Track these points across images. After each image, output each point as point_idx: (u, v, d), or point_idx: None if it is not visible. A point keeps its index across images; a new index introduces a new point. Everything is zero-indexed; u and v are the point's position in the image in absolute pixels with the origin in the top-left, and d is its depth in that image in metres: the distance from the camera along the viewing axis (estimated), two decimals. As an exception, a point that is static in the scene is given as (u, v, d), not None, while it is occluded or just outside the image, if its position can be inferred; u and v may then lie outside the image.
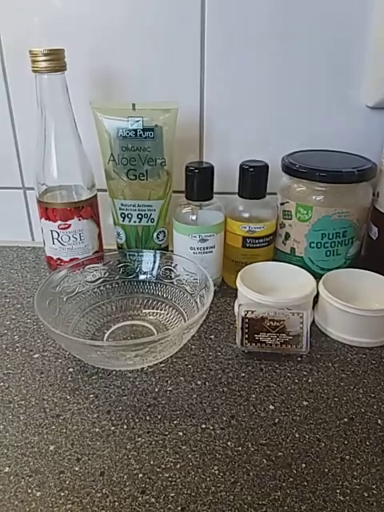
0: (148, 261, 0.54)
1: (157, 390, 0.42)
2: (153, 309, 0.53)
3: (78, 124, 0.52)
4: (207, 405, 0.41)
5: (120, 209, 0.57)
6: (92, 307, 0.52)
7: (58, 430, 0.38)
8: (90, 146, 0.55)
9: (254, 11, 0.54)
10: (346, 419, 0.39)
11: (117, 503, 0.32)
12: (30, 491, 0.33)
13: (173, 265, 0.53)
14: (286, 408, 0.40)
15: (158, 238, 0.59)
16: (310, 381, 0.43)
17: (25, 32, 0.57)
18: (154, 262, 0.54)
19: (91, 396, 0.42)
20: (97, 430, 0.38)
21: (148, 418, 0.39)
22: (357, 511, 0.32)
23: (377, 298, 0.51)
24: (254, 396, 0.41)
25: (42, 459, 0.36)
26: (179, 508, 0.32)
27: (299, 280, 0.52)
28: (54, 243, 0.55)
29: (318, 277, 0.51)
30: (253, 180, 0.53)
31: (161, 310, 0.53)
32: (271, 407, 0.40)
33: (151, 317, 0.52)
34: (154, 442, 0.37)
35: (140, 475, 0.34)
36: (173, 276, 0.53)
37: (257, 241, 0.55)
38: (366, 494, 0.33)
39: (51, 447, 0.36)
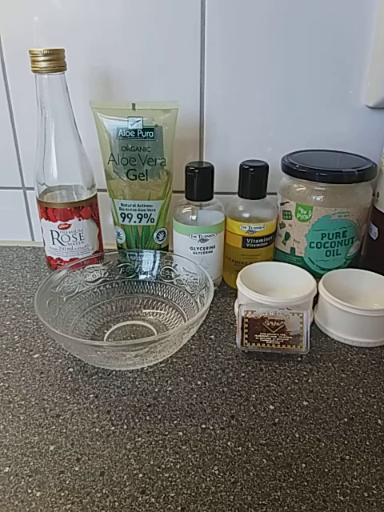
0: (148, 261, 0.54)
1: (157, 390, 0.42)
2: (153, 309, 0.53)
3: (78, 124, 0.52)
4: (207, 405, 0.41)
5: (120, 209, 0.57)
6: (92, 307, 0.52)
7: (58, 430, 0.38)
8: (89, 146, 0.55)
9: (254, 11, 0.54)
10: (346, 419, 0.39)
11: (117, 503, 0.32)
12: (30, 491, 0.33)
13: (173, 265, 0.53)
14: (285, 408, 0.40)
15: (158, 238, 0.59)
16: (310, 381, 0.43)
17: (25, 32, 0.57)
18: (154, 262, 0.54)
19: (91, 396, 0.42)
20: (97, 429, 0.38)
21: (148, 418, 0.39)
22: (357, 511, 0.32)
23: (377, 298, 0.51)
24: (254, 396, 0.41)
25: (42, 459, 0.36)
26: (179, 508, 0.32)
27: (299, 280, 0.52)
28: (53, 243, 0.55)
29: (317, 277, 0.51)
30: (253, 180, 0.53)
31: (161, 310, 0.53)
32: (271, 407, 0.40)
33: (151, 317, 0.52)
34: (153, 442, 0.37)
35: (140, 475, 0.34)
36: (173, 276, 0.53)
37: (257, 241, 0.55)
38: (366, 494, 0.33)
39: (51, 447, 0.37)
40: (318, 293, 0.50)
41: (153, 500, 0.32)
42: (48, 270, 0.61)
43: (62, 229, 0.54)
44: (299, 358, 0.46)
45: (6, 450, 0.36)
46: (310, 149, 0.59)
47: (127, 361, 0.41)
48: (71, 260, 0.55)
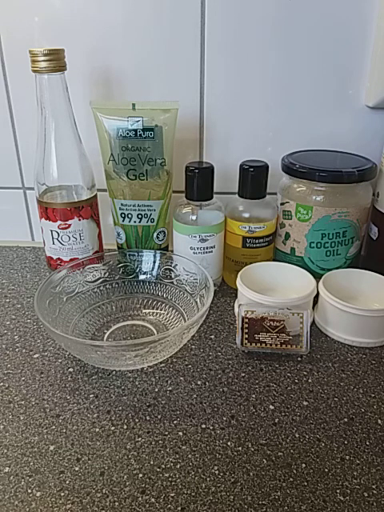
0: (148, 261, 0.54)
1: (157, 390, 0.42)
2: (153, 309, 0.53)
3: (78, 124, 0.52)
4: (207, 405, 0.41)
5: (120, 209, 0.57)
6: (92, 307, 0.52)
7: (58, 430, 0.38)
8: (89, 146, 0.55)
9: (255, 11, 0.54)
10: (346, 419, 0.39)
11: (117, 503, 0.32)
12: (29, 491, 0.33)
13: (173, 265, 0.53)
14: (285, 408, 0.40)
15: (158, 238, 0.59)
16: (310, 381, 0.43)
17: (25, 32, 0.57)
18: (154, 262, 0.54)
19: (91, 396, 0.42)
20: (97, 429, 0.38)
21: (148, 417, 0.39)
22: (357, 511, 0.32)
23: (377, 298, 0.51)
24: (254, 396, 0.41)
25: (42, 459, 0.36)
26: (179, 508, 0.32)
27: (299, 280, 0.52)
28: (53, 243, 0.55)
29: (317, 277, 0.51)
30: (253, 180, 0.53)
31: (161, 310, 0.53)
32: (271, 407, 0.40)
33: (151, 317, 0.52)
34: (153, 442, 0.37)
35: (140, 475, 0.34)
36: (173, 276, 0.53)
37: (257, 241, 0.55)
38: (366, 494, 0.33)
39: (51, 447, 0.37)
40: (318, 293, 0.50)
41: (153, 500, 0.32)
42: (48, 269, 0.61)
43: (61, 229, 0.54)
44: (299, 358, 0.46)
45: (5, 450, 0.36)
46: (310, 149, 0.59)
47: (127, 361, 0.41)
48: (71, 260, 0.55)
